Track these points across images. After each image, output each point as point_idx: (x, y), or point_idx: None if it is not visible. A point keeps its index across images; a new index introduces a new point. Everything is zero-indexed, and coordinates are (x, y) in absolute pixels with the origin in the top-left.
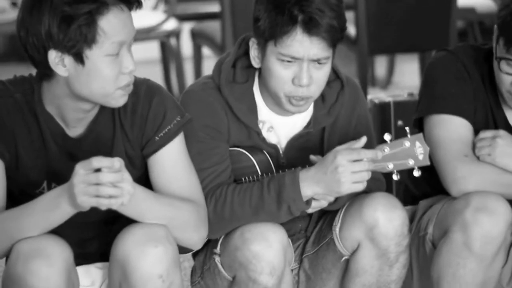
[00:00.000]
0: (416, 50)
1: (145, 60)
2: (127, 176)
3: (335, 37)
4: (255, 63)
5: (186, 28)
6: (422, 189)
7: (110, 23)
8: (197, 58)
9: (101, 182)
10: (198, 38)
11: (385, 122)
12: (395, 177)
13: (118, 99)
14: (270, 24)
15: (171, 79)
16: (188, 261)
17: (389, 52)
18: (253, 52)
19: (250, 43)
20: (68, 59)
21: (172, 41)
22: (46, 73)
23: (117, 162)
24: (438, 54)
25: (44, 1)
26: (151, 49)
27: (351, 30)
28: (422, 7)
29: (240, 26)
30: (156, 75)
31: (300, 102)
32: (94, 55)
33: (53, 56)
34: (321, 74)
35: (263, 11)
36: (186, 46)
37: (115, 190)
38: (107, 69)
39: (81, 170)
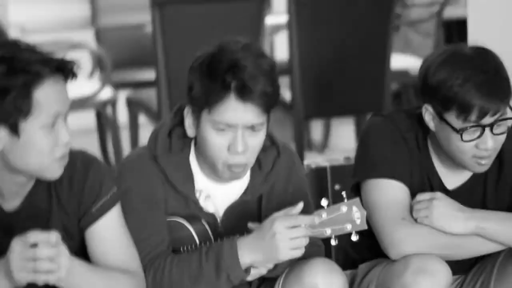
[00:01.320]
0: (351, 113)
1: (81, 129)
2: (63, 250)
3: (269, 102)
4: (190, 132)
5: (122, 96)
6: (362, 253)
7: (46, 94)
8: (134, 126)
9: (38, 257)
10: (134, 106)
11: (322, 186)
12: (333, 242)
13: (54, 171)
14: (204, 91)
15: (108, 147)
16: None
17: (325, 116)
18: (188, 121)
19: (185, 112)
20: (3, 132)
21: (108, 109)
22: None
23: (54, 236)
24: (373, 119)
25: None
26: (87, 118)
27: (287, 94)
28: (356, 71)
29: (176, 93)
30: (92, 145)
31: (238, 169)
32: (30, 127)
33: None
34: (256, 141)
35: (197, 79)
36: (122, 114)
37: (52, 264)
38: (42, 142)
39: (17, 247)
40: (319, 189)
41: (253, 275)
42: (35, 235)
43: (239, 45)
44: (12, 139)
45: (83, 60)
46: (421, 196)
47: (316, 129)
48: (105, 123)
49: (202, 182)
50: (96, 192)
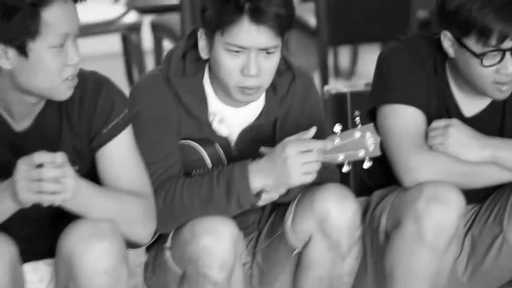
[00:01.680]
0: (376, 40)
1: (107, 53)
2: (69, 171)
3: (283, 25)
4: (203, 54)
5: (147, 21)
6: (377, 180)
7: (54, 15)
8: (158, 51)
9: (43, 178)
10: (158, 30)
11: (342, 112)
12: (345, 168)
13: (64, 92)
14: (217, 13)
15: (133, 71)
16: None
17: (350, 43)
18: (201, 43)
19: (198, 34)
20: (12, 52)
21: (134, 34)
22: None
23: (60, 157)
24: (390, 44)
25: None
26: (113, 42)
27: (312, 20)
28: None
29: (199, 18)
30: (118, 68)
31: (250, 91)
32: (38, 47)
33: None
34: (270, 64)
35: (210, 1)
36: (147, 39)
37: (57, 185)
38: (51, 61)
39: (23, 166)
40: (339, 114)
41: (265, 199)
42: (40, 156)
43: None
44: (21, 59)
45: None
46: (437, 123)
47: (343, 55)
48: (130, 48)
49: (216, 105)
50: (107, 113)
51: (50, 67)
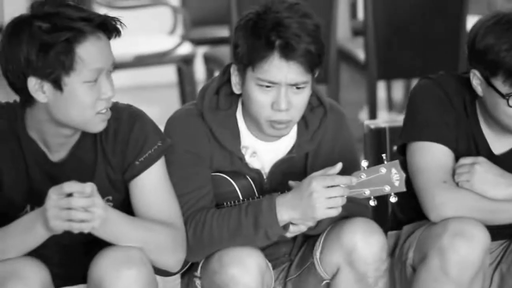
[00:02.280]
0: (425, 74)
1: (163, 83)
2: (98, 201)
3: (312, 61)
4: (236, 89)
5: (201, 52)
6: (408, 215)
7: (88, 51)
8: None
9: (72, 206)
10: (210, 62)
11: (381, 147)
12: (372, 203)
13: (97, 125)
14: (248, 49)
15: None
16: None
17: (398, 77)
18: (234, 79)
19: (232, 70)
20: (47, 86)
21: (187, 65)
22: (27, 99)
23: (89, 187)
24: (421, 82)
25: (23, 29)
26: (169, 74)
27: (361, 55)
28: (431, 31)
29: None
30: (173, 99)
31: (281, 125)
32: (72, 82)
33: (33, 83)
34: (300, 99)
35: (242, 37)
36: (200, 70)
37: (86, 214)
38: (85, 96)
39: (53, 195)
40: (378, 149)
41: (293, 231)
42: (70, 185)
43: (284, 4)
44: (56, 93)
45: (164, 16)
46: (464, 160)
47: (397, 89)
48: (184, 78)
49: (248, 139)
50: (141, 145)
51: (83, 101)
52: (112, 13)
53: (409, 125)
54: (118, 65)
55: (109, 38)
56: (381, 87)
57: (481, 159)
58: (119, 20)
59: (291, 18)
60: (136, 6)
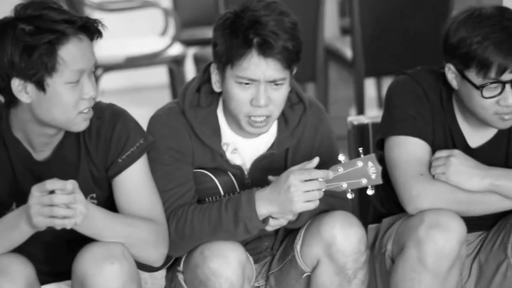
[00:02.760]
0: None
1: (155, 84)
2: (80, 197)
3: (290, 58)
4: (216, 87)
5: (191, 53)
6: (388, 208)
7: (70, 53)
8: None
9: (55, 203)
10: (200, 62)
11: (364, 143)
12: (349, 195)
13: (79, 124)
14: (227, 48)
15: None
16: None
17: (385, 74)
18: (214, 77)
19: (211, 69)
20: (31, 87)
21: (178, 66)
22: (11, 100)
23: (70, 184)
24: (398, 78)
25: (6, 32)
26: (161, 74)
27: (348, 53)
28: (417, 29)
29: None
30: (165, 99)
31: (260, 123)
32: (55, 82)
33: (16, 84)
34: (279, 95)
35: (220, 36)
36: (191, 71)
37: (68, 211)
38: (67, 96)
39: (36, 192)
40: (361, 145)
41: (273, 225)
42: (52, 183)
43: (262, 3)
44: (39, 94)
45: (155, 18)
46: (439, 153)
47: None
48: (175, 79)
49: (229, 136)
50: (123, 143)
51: (66, 101)
52: (103, 15)
53: (386, 120)
54: (109, 67)
55: (91, 39)
56: (371, 85)
57: (456, 151)
58: (100, 22)
59: (268, 16)
60: (127, 8)
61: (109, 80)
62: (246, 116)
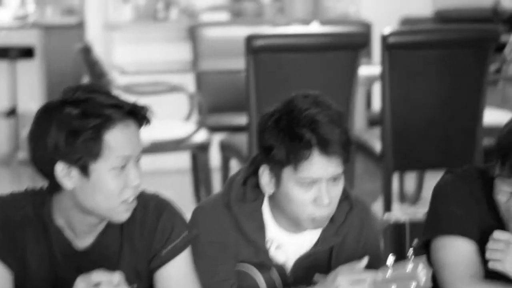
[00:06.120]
0: (441, 166)
1: (177, 169)
2: None
3: (347, 151)
4: (269, 189)
5: (216, 139)
6: None
7: (116, 138)
8: (225, 170)
9: None
10: (226, 150)
11: (401, 241)
12: None
13: (122, 214)
14: (286, 151)
15: (201, 189)
16: None
17: (414, 168)
18: (264, 180)
19: (260, 171)
20: (75, 172)
21: (202, 152)
22: (54, 185)
23: (116, 277)
24: (445, 176)
25: (53, 115)
26: (183, 159)
27: (377, 146)
28: (448, 124)
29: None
30: (186, 185)
31: (322, 220)
32: (99, 168)
33: (60, 169)
34: (338, 191)
35: (275, 139)
36: (215, 157)
37: None
38: (112, 183)
39: (81, 284)
40: (398, 244)
41: None
42: (98, 275)
43: (309, 99)
44: (83, 179)
45: (180, 102)
46: (499, 235)
47: (409, 181)
48: (198, 165)
49: (273, 232)
50: (167, 235)
51: (110, 188)
52: (130, 98)
53: (433, 220)
54: None
55: (139, 125)
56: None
57: None
58: (148, 109)
59: (321, 112)
60: (154, 92)
61: None
62: (309, 217)
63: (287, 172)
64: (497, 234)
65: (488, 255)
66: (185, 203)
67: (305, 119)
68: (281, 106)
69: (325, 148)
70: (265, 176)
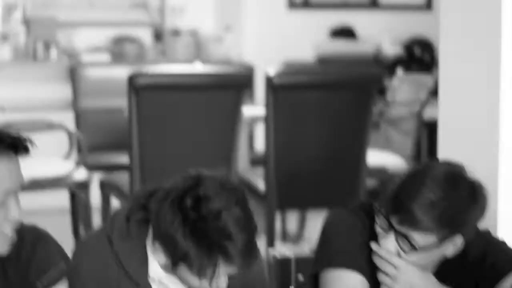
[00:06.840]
0: (324, 205)
1: (55, 208)
2: None
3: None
4: (161, 263)
5: (96, 177)
6: None
7: None
8: (106, 208)
9: None
10: (107, 188)
11: (287, 277)
12: None
13: None
14: (192, 256)
15: (80, 228)
16: None
17: (297, 207)
18: (160, 257)
19: (153, 245)
20: None
21: (82, 191)
22: None
23: None
24: (333, 211)
25: None
26: (61, 198)
27: (260, 185)
28: (331, 164)
29: (148, 177)
30: (65, 224)
31: None
32: None
33: None
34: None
35: (179, 234)
36: (95, 196)
37: None
38: None
39: None
40: (283, 279)
41: None
42: None
43: (222, 197)
44: None
45: (59, 141)
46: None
47: (291, 220)
48: (78, 204)
49: (156, 269)
50: (43, 267)
51: None
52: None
53: (322, 253)
54: None
55: (18, 157)
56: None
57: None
58: (30, 140)
59: (235, 227)
60: (32, 129)
61: None
62: None
63: (184, 269)
64: (375, 246)
65: (379, 277)
66: (64, 242)
67: (217, 230)
68: (187, 184)
69: (230, 260)
70: (160, 254)
